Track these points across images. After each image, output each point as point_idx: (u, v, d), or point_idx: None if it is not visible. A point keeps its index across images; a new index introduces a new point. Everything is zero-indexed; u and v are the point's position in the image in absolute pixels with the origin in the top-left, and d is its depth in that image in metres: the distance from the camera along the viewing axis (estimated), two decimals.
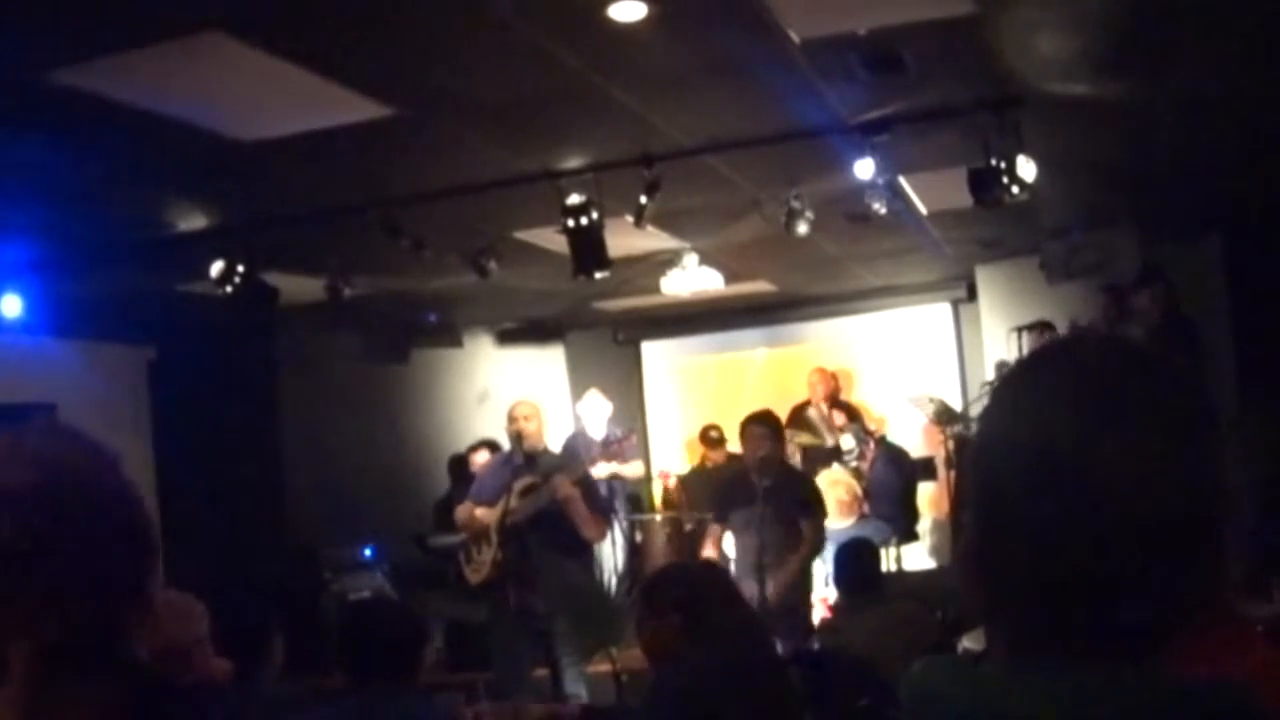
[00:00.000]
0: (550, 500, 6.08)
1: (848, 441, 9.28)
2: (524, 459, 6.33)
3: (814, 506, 6.32)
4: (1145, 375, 1.03)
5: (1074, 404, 1.01)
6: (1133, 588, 0.97)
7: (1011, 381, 1.11)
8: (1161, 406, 1.01)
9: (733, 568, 6.39)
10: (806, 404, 9.85)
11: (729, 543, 6.58)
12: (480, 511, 6.33)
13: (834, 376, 10.15)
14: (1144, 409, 1.00)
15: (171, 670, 2.44)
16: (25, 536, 1.13)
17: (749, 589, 5.96)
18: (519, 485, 6.24)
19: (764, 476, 6.18)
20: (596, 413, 8.78)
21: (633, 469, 8.52)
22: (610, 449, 6.58)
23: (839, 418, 9.60)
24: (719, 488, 7.08)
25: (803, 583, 6.27)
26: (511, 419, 6.38)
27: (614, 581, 8.82)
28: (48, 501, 1.15)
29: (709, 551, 6.48)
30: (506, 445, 8.82)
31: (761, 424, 6.38)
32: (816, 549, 6.31)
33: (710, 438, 9.57)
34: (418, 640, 3.43)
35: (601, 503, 6.66)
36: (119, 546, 1.19)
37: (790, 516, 6.12)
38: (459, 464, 9.67)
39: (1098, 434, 0.98)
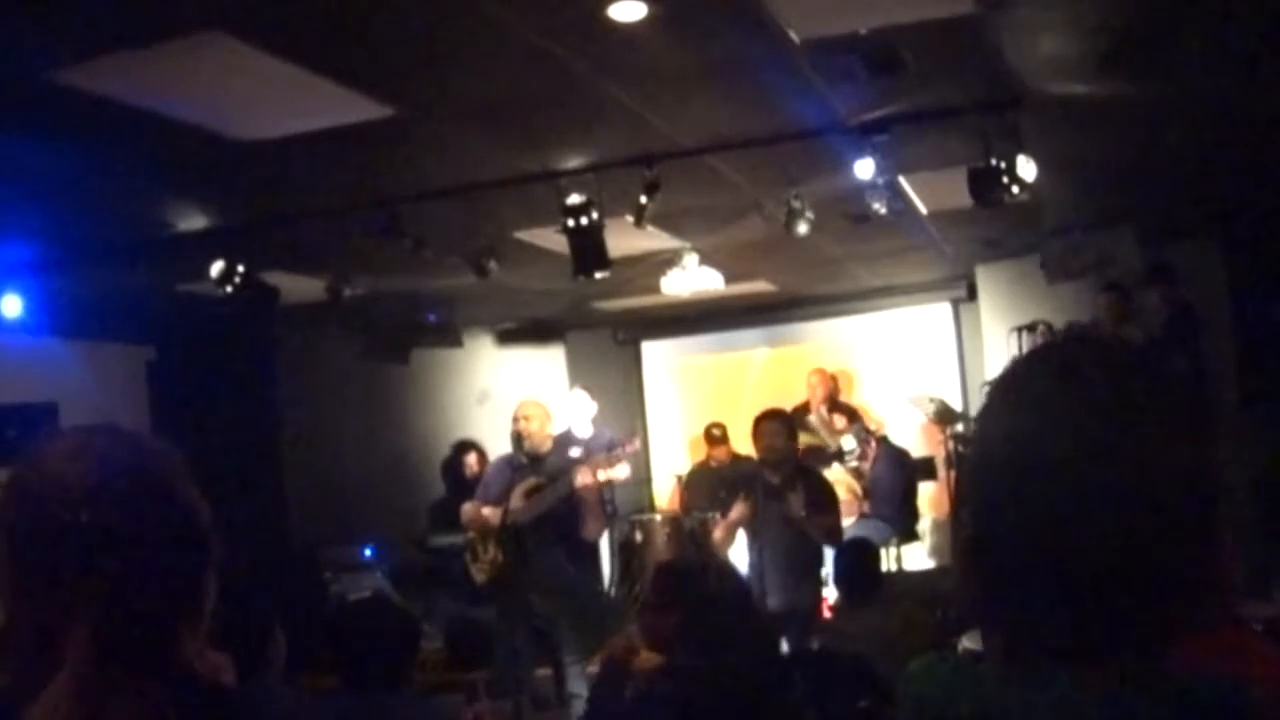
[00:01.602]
0: (567, 490, 6.09)
1: (849, 442, 9.28)
2: (528, 460, 6.33)
3: (831, 504, 6.30)
4: (1142, 376, 1.03)
5: (1072, 404, 1.01)
6: (1131, 588, 0.97)
7: (1009, 381, 1.11)
8: (1158, 407, 1.01)
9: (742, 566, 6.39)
10: (806, 406, 9.85)
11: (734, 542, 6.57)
12: (487, 510, 6.34)
13: (833, 378, 10.15)
14: (1141, 410, 1.00)
15: None
16: (87, 530, 1.16)
17: (755, 591, 5.96)
18: (522, 487, 6.25)
19: (775, 473, 6.18)
20: (582, 411, 8.78)
21: (623, 471, 8.55)
22: (615, 454, 6.57)
23: (839, 421, 9.60)
24: (724, 482, 7.07)
25: (814, 583, 6.25)
26: (514, 419, 6.40)
27: (613, 582, 8.83)
28: (110, 499, 1.18)
29: (717, 535, 6.44)
30: (490, 446, 8.87)
31: (775, 420, 6.38)
32: (833, 543, 6.27)
33: (713, 435, 9.57)
34: (410, 639, 3.43)
35: (606, 500, 6.68)
36: (176, 549, 1.23)
37: (808, 514, 6.10)
38: (451, 466, 9.70)
39: (1095, 434, 0.98)
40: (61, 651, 1.16)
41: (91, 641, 1.16)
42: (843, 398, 10.18)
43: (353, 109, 4.72)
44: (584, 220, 5.87)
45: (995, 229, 8.03)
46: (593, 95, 4.78)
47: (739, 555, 6.60)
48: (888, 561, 8.15)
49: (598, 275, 6.15)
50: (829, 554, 6.31)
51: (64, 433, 1.26)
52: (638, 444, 7.07)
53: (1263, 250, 8.14)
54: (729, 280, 8.52)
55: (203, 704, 1.21)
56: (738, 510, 6.23)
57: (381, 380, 9.97)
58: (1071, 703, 0.95)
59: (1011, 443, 1.04)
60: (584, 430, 8.31)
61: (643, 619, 3.40)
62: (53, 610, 1.16)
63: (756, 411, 6.71)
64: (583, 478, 6.09)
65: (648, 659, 3.57)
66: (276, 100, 4.61)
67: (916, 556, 9.44)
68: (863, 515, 8.73)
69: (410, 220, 6.16)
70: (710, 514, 8.62)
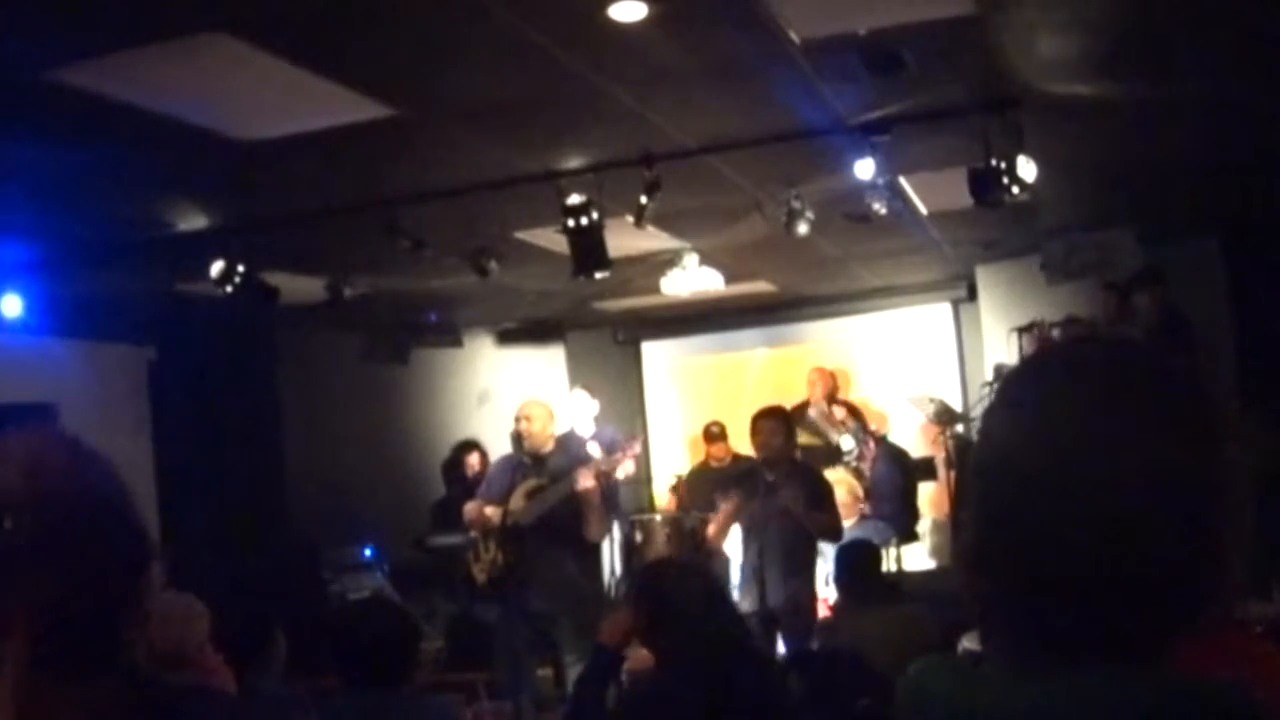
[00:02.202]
0: (568, 491, 6.08)
1: (847, 442, 9.27)
2: (531, 460, 6.33)
3: (827, 501, 6.28)
4: (1150, 377, 1.03)
5: (1078, 404, 1.01)
6: (1134, 589, 0.96)
7: (1016, 380, 1.11)
8: (1166, 408, 1.01)
9: (736, 566, 6.39)
10: (806, 403, 9.85)
11: (732, 542, 6.57)
12: (490, 510, 6.34)
13: (833, 375, 10.14)
14: (1149, 410, 1.00)
15: (174, 673, 2.44)
16: (19, 536, 1.14)
17: (752, 589, 5.97)
18: (524, 487, 6.24)
19: (772, 471, 6.17)
20: (583, 411, 8.78)
21: (625, 470, 8.56)
22: (615, 457, 6.57)
23: (839, 412, 9.60)
24: (726, 481, 7.07)
25: (810, 580, 6.24)
26: (515, 419, 6.40)
27: (614, 582, 8.82)
28: (42, 504, 1.16)
29: (711, 530, 6.45)
30: (490, 446, 8.87)
31: (772, 418, 6.36)
32: (831, 539, 6.24)
33: (711, 432, 9.57)
34: (411, 640, 3.43)
35: (609, 501, 6.68)
36: (111, 550, 1.20)
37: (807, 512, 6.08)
38: (452, 467, 9.71)
39: (1102, 435, 0.98)
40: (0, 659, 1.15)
41: (31, 649, 1.14)
42: (842, 396, 10.17)
43: (353, 109, 4.73)
44: (584, 220, 5.87)
45: (995, 229, 8.03)
46: (593, 95, 4.78)
47: (733, 552, 6.60)
48: (888, 562, 8.13)
49: (598, 275, 6.15)
50: (829, 553, 6.31)
51: None
52: (638, 446, 7.07)
53: (1263, 250, 8.14)
54: (729, 280, 8.52)
55: (146, 704, 1.20)
56: (730, 504, 6.20)
57: (381, 380, 9.97)
58: (1072, 705, 0.95)
59: (1014, 442, 1.04)
60: (586, 430, 8.31)
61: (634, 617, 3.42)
62: None
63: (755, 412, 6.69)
64: (584, 479, 6.09)
65: (644, 657, 3.57)
66: (276, 100, 4.62)
67: (917, 557, 9.43)
68: (863, 515, 8.72)
69: (410, 220, 6.16)
70: (710, 514, 8.62)
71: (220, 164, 5.27)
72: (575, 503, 6.14)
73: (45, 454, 1.21)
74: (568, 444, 6.78)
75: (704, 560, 6.51)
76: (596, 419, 8.82)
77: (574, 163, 5.79)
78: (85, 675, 1.17)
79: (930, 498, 9.76)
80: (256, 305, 6.78)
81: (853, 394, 10.55)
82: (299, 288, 7.41)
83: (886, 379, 10.67)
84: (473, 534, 6.48)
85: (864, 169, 5.55)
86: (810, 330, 11.20)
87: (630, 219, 5.89)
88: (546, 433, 6.41)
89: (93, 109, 4.38)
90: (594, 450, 6.93)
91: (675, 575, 3.50)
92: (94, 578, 1.18)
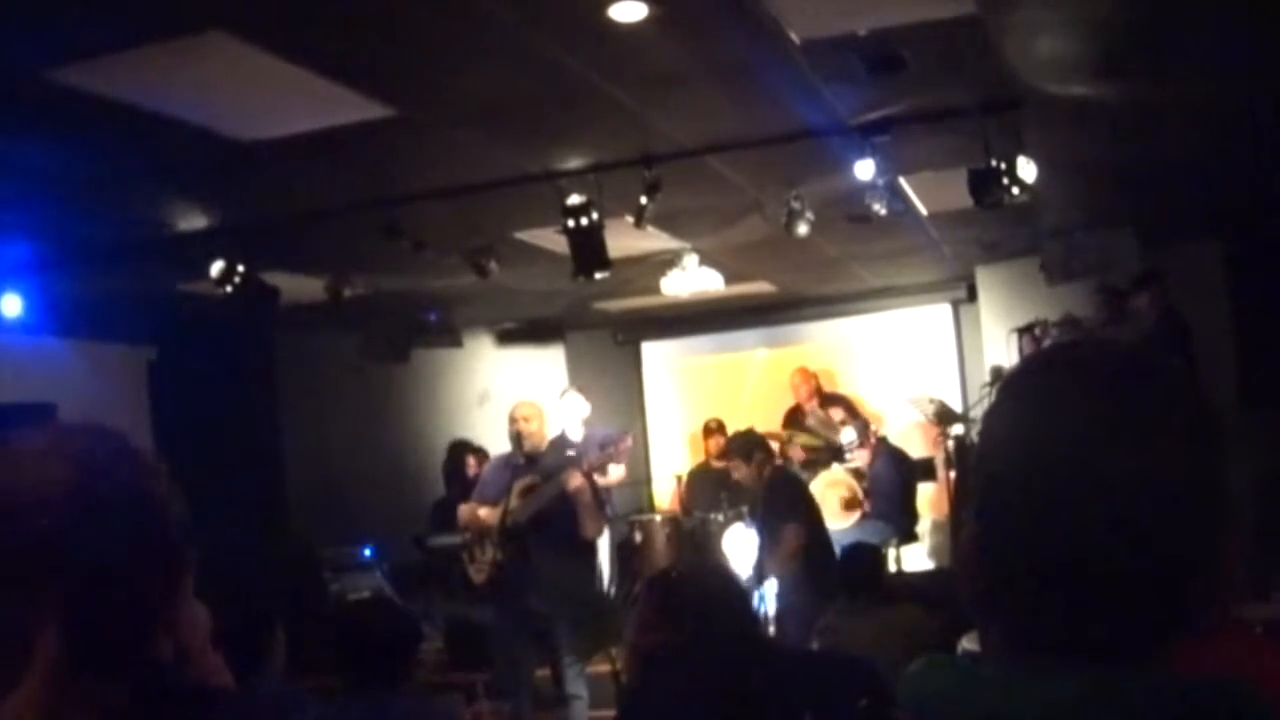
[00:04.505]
0: (559, 493, 6.08)
1: (848, 434, 9.27)
2: (524, 460, 6.33)
3: (786, 513, 6.34)
4: (1150, 379, 1.03)
5: (1079, 406, 1.01)
6: (1133, 589, 0.97)
7: (1017, 381, 1.11)
8: (1165, 410, 1.01)
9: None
10: (800, 407, 9.85)
11: (734, 543, 6.62)
12: (484, 512, 6.34)
13: (815, 375, 10.11)
14: (1148, 412, 1.00)
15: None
16: (59, 532, 1.14)
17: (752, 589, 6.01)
18: (519, 486, 6.25)
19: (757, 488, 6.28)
20: (576, 413, 8.78)
21: (617, 473, 8.56)
22: (608, 453, 6.57)
23: (837, 414, 9.60)
24: (725, 483, 7.18)
25: (801, 585, 6.24)
26: (512, 419, 6.39)
27: (612, 582, 8.83)
28: (84, 500, 1.16)
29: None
30: (490, 446, 8.85)
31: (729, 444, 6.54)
32: (795, 554, 6.27)
33: (709, 427, 9.57)
34: (412, 640, 3.43)
35: (603, 499, 6.69)
36: (151, 553, 1.20)
37: (769, 525, 6.18)
38: (452, 467, 9.70)
39: (1102, 436, 0.98)
40: (28, 656, 1.13)
41: (61, 646, 1.13)
42: (827, 389, 10.14)
43: (353, 109, 4.73)
44: (584, 220, 5.87)
45: (995, 230, 8.03)
46: (593, 95, 4.78)
47: (747, 554, 6.63)
48: (887, 562, 8.14)
49: (598, 275, 6.15)
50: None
51: (41, 429, 1.22)
52: (630, 441, 7.06)
53: (1263, 251, 8.14)
54: (729, 280, 8.52)
55: (177, 707, 1.19)
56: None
57: (381, 380, 9.97)
58: (1071, 705, 0.95)
59: (1016, 441, 1.04)
60: (577, 432, 8.32)
61: (641, 631, 3.31)
62: (21, 614, 1.14)
63: (756, 412, 6.74)
64: (574, 480, 6.09)
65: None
66: (276, 100, 4.62)
67: (916, 557, 9.44)
68: (863, 515, 8.73)
69: (410, 220, 6.16)
70: (709, 516, 8.63)
71: (221, 164, 5.27)
72: (568, 502, 6.15)
73: (100, 456, 1.20)
74: (560, 445, 6.79)
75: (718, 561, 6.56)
76: (587, 421, 8.82)
77: (574, 163, 5.79)
78: (113, 673, 1.16)
79: (930, 498, 9.76)
80: (256, 305, 6.77)
81: (849, 394, 10.54)
82: (299, 288, 7.40)
83: (886, 379, 10.67)
84: (467, 535, 6.49)
85: (864, 169, 5.55)
86: (810, 331, 11.21)
87: (630, 219, 5.89)
88: (543, 432, 6.44)
89: (93, 109, 4.38)
90: (586, 450, 6.92)
91: (691, 571, 3.49)
92: (130, 579, 1.17)
